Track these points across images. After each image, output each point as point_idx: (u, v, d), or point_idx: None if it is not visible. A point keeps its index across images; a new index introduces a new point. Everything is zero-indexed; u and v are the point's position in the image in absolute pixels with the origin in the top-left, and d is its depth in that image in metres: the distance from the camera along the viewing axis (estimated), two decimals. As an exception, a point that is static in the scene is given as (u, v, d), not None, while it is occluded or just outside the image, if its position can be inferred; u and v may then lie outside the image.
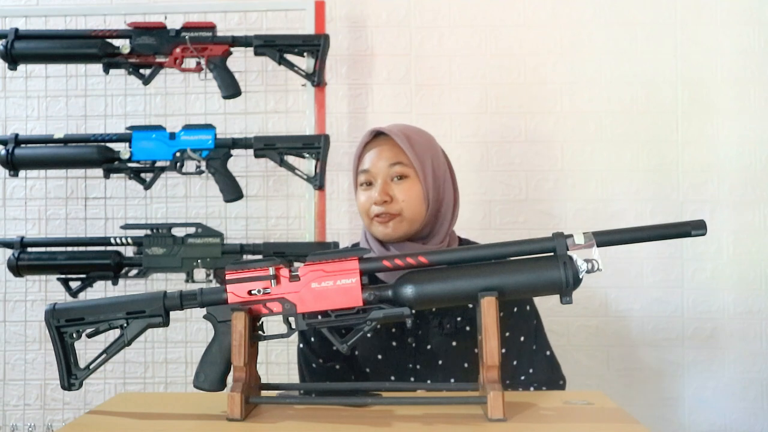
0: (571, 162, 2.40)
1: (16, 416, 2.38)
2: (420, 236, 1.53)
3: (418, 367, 1.51)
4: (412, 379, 1.52)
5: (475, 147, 2.41)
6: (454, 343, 1.50)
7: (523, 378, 1.52)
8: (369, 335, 1.14)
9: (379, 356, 1.52)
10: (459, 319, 1.50)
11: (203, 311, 1.18)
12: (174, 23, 2.14)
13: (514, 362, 1.52)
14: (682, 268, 2.38)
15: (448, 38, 2.44)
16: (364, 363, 1.53)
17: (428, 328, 1.51)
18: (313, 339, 1.56)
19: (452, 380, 1.50)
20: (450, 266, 1.14)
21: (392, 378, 1.52)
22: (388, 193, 1.49)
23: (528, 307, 1.56)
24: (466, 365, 1.50)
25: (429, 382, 1.50)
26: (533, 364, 1.54)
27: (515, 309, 1.53)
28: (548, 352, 1.57)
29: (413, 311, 1.13)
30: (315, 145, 2.08)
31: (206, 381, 1.17)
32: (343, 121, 2.43)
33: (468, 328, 1.51)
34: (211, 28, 2.13)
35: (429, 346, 1.51)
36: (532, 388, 1.51)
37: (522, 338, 1.54)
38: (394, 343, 1.51)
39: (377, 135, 1.54)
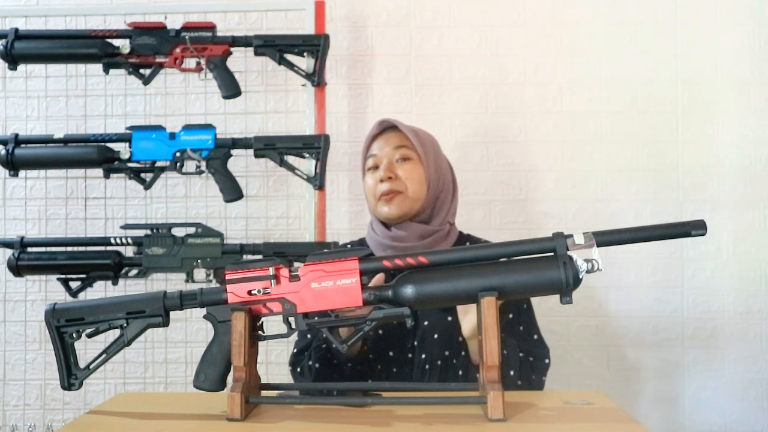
0: (571, 162, 2.40)
1: (16, 416, 2.38)
2: (421, 218, 1.65)
3: (415, 343, 1.56)
4: (410, 356, 1.56)
5: (475, 147, 2.41)
6: (449, 318, 1.55)
7: (505, 352, 1.52)
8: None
9: (380, 331, 1.56)
10: None
11: (203, 311, 1.18)
12: (174, 23, 2.14)
13: (502, 334, 1.53)
14: (682, 268, 2.38)
15: (448, 38, 2.44)
16: (364, 338, 1.54)
17: None
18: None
19: (446, 353, 1.54)
20: (450, 266, 1.14)
21: (390, 354, 1.56)
22: (393, 171, 1.63)
23: None
24: (460, 339, 1.53)
25: (424, 356, 1.54)
26: (518, 341, 1.57)
27: None
28: (536, 336, 1.61)
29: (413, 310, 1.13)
30: (315, 145, 2.08)
31: (206, 381, 1.17)
32: (343, 121, 2.43)
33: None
34: (211, 28, 2.13)
35: (426, 322, 1.56)
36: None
37: (510, 315, 1.59)
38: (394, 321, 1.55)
39: (385, 129, 1.68)
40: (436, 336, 1.55)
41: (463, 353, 1.53)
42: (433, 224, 1.65)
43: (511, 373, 1.50)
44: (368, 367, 1.57)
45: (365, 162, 1.70)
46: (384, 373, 1.56)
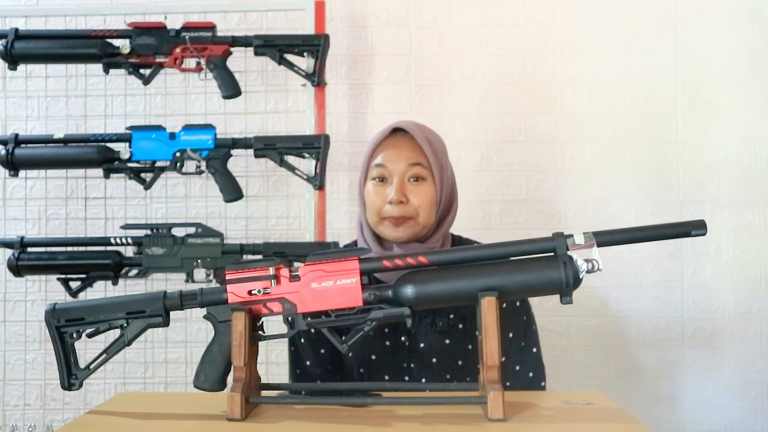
0: (571, 162, 2.40)
1: (16, 416, 2.38)
2: (420, 239, 1.52)
3: (412, 366, 1.50)
4: (407, 378, 1.51)
5: (475, 147, 2.41)
6: (447, 341, 1.50)
7: (507, 383, 1.51)
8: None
9: (373, 356, 1.51)
10: (451, 316, 1.49)
11: (203, 311, 1.18)
12: (174, 23, 2.14)
13: (503, 359, 1.51)
14: (682, 268, 2.38)
15: (448, 38, 2.44)
16: (358, 364, 1.52)
17: (421, 327, 1.50)
18: (302, 340, 1.54)
19: (448, 376, 1.50)
20: (450, 266, 1.14)
21: (386, 378, 1.51)
22: (405, 194, 1.47)
23: (518, 303, 1.54)
24: (460, 363, 1.50)
25: (424, 381, 1.50)
26: (520, 361, 1.54)
27: (504, 305, 1.48)
28: (535, 349, 1.56)
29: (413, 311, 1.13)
30: (315, 145, 2.08)
31: (206, 381, 1.16)
32: (343, 121, 2.43)
33: (461, 326, 1.50)
34: (211, 28, 2.13)
35: (422, 345, 1.50)
36: None
37: (510, 334, 1.53)
38: (387, 343, 1.51)
39: (395, 131, 1.51)
40: (434, 360, 1.50)
41: (468, 378, 1.50)
42: (431, 241, 1.52)
43: None
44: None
45: (369, 168, 1.52)
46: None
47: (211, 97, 2.33)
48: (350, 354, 1.49)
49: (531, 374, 1.54)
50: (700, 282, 2.37)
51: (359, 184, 1.56)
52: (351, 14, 2.44)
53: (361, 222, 1.56)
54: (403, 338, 1.50)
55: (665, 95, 2.40)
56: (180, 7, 2.27)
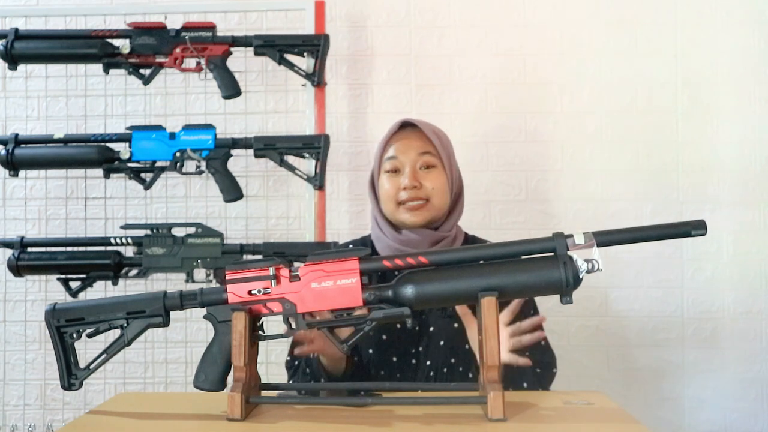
0: (571, 162, 2.40)
1: (16, 416, 2.38)
2: (435, 225, 1.61)
3: (420, 349, 1.54)
4: (414, 361, 1.54)
5: (475, 147, 2.41)
6: (456, 325, 1.53)
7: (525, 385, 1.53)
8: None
9: (384, 336, 1.54)
10: None
11: (203, 311, 1.18)
12: (174, 23, 2.14)
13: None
14: (682, 268, 2.38)
15: (448, 38, 2.44)
16: (368, 345, 1.55)
17: (431, 311, 1.54)
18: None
19: (453, 360, 1.53)
20: (450, 266, 1.14)
21: (394, 359, 1.55)
22: (417, 180, 1.57)
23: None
24: (467, 346, 1.52)
25: (429, 363, 1.53)
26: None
27: None
28: (542, 342, 1.58)
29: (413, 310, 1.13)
30: (315, 145, 2.08)
31: (206, 381, 1.17)
32: (343, 121, 2.43)
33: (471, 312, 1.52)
34: (211, 28, 2.13)
35: (432, 328, 1.54)
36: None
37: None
38: (398, 325, 1.54)
39: (403, 127, 1.63)
40: (442, 343, 1.54)
41: (472, 364, 1.51)
42: (443, 229, 1.61)
43: (524, 384, 1.49)
44: (371, 373, 1.55)
45: (381, 162, 1.63)
46: (387, 379, 1.54)
47: (211, 97, 2.33)
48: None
49: (543, 359, 1.57)
50: (700, 282, 2.37)
51: (370, 181, 1.67)
52: (351, 14, 2.44)
53: (375, 216, 1.65)
54: (413, 322, 1.50)
55: (665, 95, 2.40)
56: (180, 7, 2.27)
